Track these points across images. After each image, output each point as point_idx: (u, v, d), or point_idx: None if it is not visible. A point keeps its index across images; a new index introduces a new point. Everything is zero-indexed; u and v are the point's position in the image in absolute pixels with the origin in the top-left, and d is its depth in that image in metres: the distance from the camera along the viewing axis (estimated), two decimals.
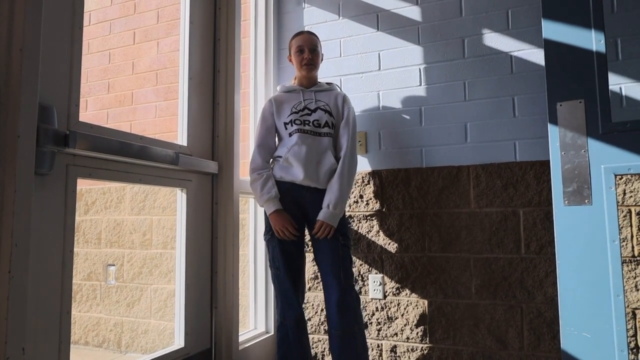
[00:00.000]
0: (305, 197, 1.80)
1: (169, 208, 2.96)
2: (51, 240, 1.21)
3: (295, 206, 1.80)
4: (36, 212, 1.15)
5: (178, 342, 1.69)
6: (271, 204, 1.76)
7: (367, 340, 2.09)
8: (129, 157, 1.43)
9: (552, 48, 1.59)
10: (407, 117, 2.12)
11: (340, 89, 2.23)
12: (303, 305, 1.94)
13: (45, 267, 1.19)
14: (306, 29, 2.34)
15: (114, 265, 3.09)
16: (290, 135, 1.84)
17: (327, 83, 1.99)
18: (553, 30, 1.60)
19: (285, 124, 1.86)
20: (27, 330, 1.07)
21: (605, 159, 1.47)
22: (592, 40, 1.53)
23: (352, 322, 1.72)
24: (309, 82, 1.93)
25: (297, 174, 1.79)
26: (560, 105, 1.55)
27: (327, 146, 1.84)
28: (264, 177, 1.79)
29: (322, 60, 1.99)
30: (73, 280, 1.33)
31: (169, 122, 3.05)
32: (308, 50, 1.88)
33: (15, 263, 1.00)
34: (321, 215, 1.74)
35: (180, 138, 1.81)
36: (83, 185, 3.19)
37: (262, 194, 1.76)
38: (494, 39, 2.01)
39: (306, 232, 1.88)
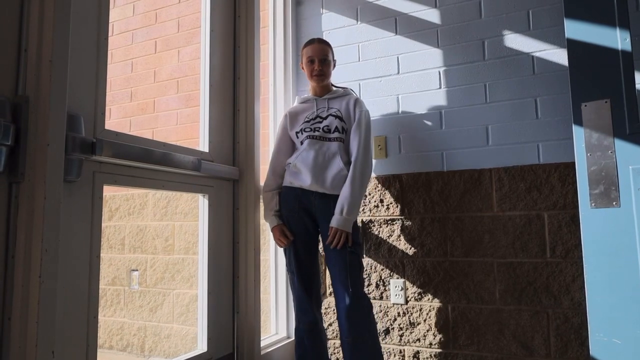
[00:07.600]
0: (314, 203, 1.81)
1: (191, 214, 3.00)
2: (79, 245, 1.24)
3: (304, 213, 1.82)
4: (64, 218, 1.18)
5: (201, 346, 1.71)
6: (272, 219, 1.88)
7: (389, 346, 2.07)
8: (152, 164, 1.45)
9: (575, 48, 1.57)
10: (427, 120, 2.11)
11: (358, 94, 2.23)
12: (323, 310, 1.93)
13: (73, 272, 1.22)
14: (324, 34, 2.35)
15: (137, 270, 3.14)
16: (301, 143, 1.88)
17: (343, 88, 1.99)
18: (576, 30, 1.57)
19: (297, 132, 1.90)
20: (56, 334, 1.10)
21: (633, 159, 1.43)
22: (617, 39, 1.49)
23: (361, 330, 1.69)
24: (322, 90, 1.96)
25: (305, 179, 1.80)
26: (585, 105, 1.52)
27: (336, 151, 1.84)
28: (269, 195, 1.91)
29: (334, 67, 2.00)
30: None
31: (191, 129, 3.09)
32: (318, 61, 1.90)
33: (45, 268, 1.02)
34: (334, 222, 1.73)
35: (202, 144, 1.83)
36: (107, 191, 3.25)
37: (267, 211, 1.90)
38: (514, 40, 1.98)
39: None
